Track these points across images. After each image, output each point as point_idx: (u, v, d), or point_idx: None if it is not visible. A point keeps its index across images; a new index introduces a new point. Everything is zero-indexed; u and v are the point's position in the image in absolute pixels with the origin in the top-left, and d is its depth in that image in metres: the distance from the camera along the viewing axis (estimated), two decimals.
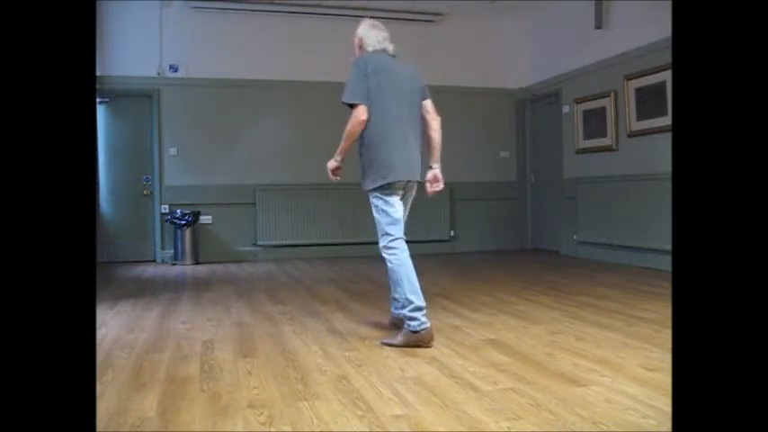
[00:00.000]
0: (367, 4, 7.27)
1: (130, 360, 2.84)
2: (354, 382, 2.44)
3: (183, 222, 6.87)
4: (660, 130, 5.77)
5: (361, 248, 7.50)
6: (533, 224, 8.28)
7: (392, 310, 3.33)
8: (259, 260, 7.23)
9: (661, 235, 5.62)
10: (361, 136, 3.10)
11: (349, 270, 6.21)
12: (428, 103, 3.31)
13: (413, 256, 3.10)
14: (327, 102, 6.26)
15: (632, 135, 6.22)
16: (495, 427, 1.96)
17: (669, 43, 5.09)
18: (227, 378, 2.53)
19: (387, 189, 3.10)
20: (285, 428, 1.97)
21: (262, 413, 2.10)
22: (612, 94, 6.47)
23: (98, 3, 6.72)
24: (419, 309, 2.97)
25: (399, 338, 3.00)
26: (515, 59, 8.13)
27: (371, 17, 3.56)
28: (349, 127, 3.07)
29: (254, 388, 2.39)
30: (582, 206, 6.95)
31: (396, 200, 3.14)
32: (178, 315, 3.94)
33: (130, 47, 7.02)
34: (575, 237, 7.11)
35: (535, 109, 8.14)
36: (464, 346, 3.00)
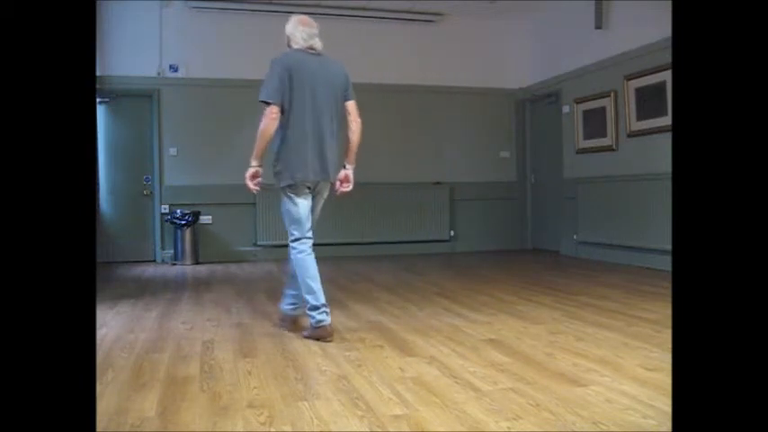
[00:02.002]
0: (367, 4, 7.27)
1: (130, 360, 2.84)
2: (354, 382, 2.44)
3: (183, 222, 6.87)
4: (660, 130, 5.76)
5: (360, 248, 7.50)
6: (533, 224, 8.28)
7: (280, 305, 3.48)
8: (259, 260, 7.23)
9: (661, 235, 5.62)
10: (277, 134, 3.16)
11: (349, 270, 6.21)
12: (351, 105, 3.31)
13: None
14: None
15: (632, 135, 6.22)
16: (495, 427, 1.96)
17: (669, 43, 5.09)
18: (227, 378, 2.53)
19: (295, 188, 3.18)
20: (285, 428, 1.97)
21: (262, 413, 2.10)
22: (612, 94, 6.47)
23: (98, 3, 6.72)
24: (315, 308, 3.14)
25: (307, 331, 3.23)
26: (515, 59, 8.13)
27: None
28: (261, 126, 3.12)
29: (254, 388, 2.39)
30: (582, 206, 6.95)
31: (302, 200, 3.21)
32: (178, 315, 3.94)
33: (130, 47, 7.01)
34: (575, 237, 7.11)
35: (535, 109, 8.14)
36: (464, 346, 3.00)
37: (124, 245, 7.15)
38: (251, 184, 3.19)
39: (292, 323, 3.42)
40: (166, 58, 7.15)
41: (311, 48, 3.25)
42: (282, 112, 3.13)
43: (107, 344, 3.16)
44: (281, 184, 3.19)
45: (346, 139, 3.31)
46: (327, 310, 3.19)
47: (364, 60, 7.56)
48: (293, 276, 3.32)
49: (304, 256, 3.22)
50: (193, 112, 7.20)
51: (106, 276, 5.88)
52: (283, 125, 3.15)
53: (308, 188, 3.23)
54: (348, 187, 3.36)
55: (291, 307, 3.42)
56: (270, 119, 3.10)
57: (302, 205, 3.22)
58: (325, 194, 3.35)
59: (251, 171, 3.19)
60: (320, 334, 3.15)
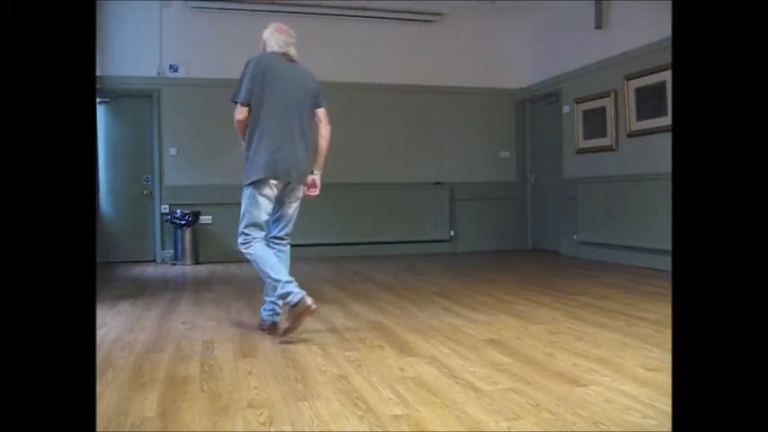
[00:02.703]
0: (367, 4, 7.27)
1: (130, 360, 2.84)
2: (354, 382, 2.44)
3: (183, 222, 6.87)
4: (660, 130, 5.77)
5: (360, 248, 7.50)
6: (533, 224, 8.28)
7: (261, 311, 3.44)
8: None
9: (661, 235, 5.62)
10: (248, 132, 3.22)
11: (349, 270, 6.21)
12: (321, 112, 3.39)
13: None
14: (326, 101, 6.26)
15: (632, 135, 6.22)
16: (495, 427, 1.96)
17: (669, 43, 5.09)
18: (227, 378, 2.53)
19: (259, 186, 3.16)
20: (285, 428, 1.97)
21: (262, 413, 2.10)
22: (612, 94, 6.47)
23: (98, 3, 6.72)
24: (288, 282, 3.07)
25: (288, 321, 3.11)
26: (515, 59, 8.13)
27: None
28: (235, 123, 3.23)
29: (254, 388, 2.39)
30: (582, 206, 6.95)
31: (264, 199, 3.18)
32: (178, 315, 3.94)
33: (130, 47, 7.01)
34: (575, 237, 7.11)
35: (535, 109, 8.14)
36: (464, 346, 3.00)
37: (124, 245, 7.15)
38: None
39: (272, 329, 3.34)
40: (166, 58, 7.15)
41: (285, 54, 3.32)
42: (250, 111, 3.19)
43: (107, 344, 3.16)
44: (247, 180, 3.18)
45: (316, 145, 3.37)
46: (295, 283, 3.09)
47: (364, 60, 7.58)
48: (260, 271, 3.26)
49: (261, 246, 3.19)
50: (193, 112, 7.20)
51: (106, 276, 5.88)
52: (252, 124, 3.20)
53: (274, 188, 3.19)
54: (315, 192, 3.41)
55: (270, 313, 3.37)
56: (237, 117, 3.20)
57: (264, 205, 3.18)
58: (298, 195, 3.33)
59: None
60: (299, 311, 3.03)
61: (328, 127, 3.39)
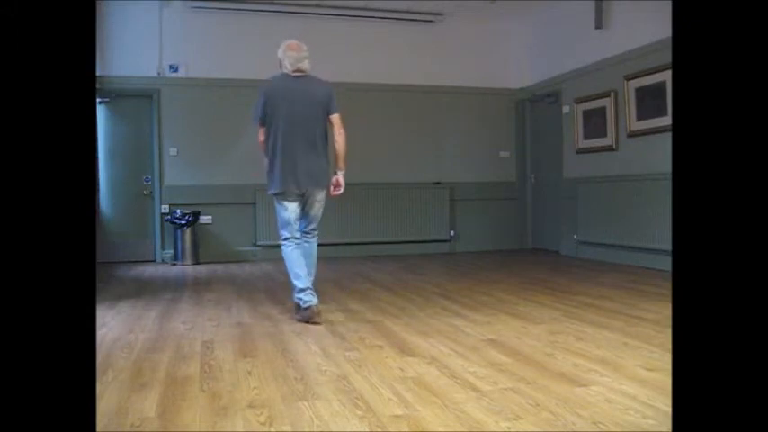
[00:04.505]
0: (367, 4, 7.27)
1: (130, 360, 2.84)
2: (354, 382, 2.44)
3: (183, 222, 6.87)
4: (660, 130, 5.77)
5: (361, 248, 7.50)
6: (533, 224, 8.28)
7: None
8: (259, 260, 7.23)
9: (661, 235, 5.62)
10: (266, 149, 3.73)
11: (349, 270, 6.21)
12: (334, 118, 3.71)
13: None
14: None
15: (632, 135, 6.22)
16: (495, 427, 1.96)
17: (669, 43, 5.09)
18: (227, 378, 2.53)
19: (279, 196, 3.70)
20: (285, 428, 1.97)
21: (262, 413, 2.10)
22: (612, 94, 6.47)
23: (98, 3, 6.72)
24: (301, 290, 3.64)
25: (298, 314, 3.67)
26: (515, 59, 8.13)
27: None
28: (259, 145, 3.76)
29: (254, 388, 2.39)
30: (582, 206, 6.95)
31: (288, 204, 3.71)
32: (178, 315, 3.94)
33: (130, 47, 7.01)
34: (575, 237, 7.11)
35: (535, 109, 8.14)
36: (464, 346, 3.00)
37: (124, 245, 7.15)
38: None
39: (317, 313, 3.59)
40: (166, 58, 7.15)
41: (298, 70, 3.65)
42: (267, 131, 3.66)
43: (107, 344, 3.16)
44: (269, 192, 3.75)
45: (334, 149, 3.72)
46: (313, 291, 3.64)
47: (364, 60, 7.58)
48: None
49: (291, 249, 3.72)
50: (193, 112, 7.20)
51: (106, 276, 5.88)
52: (267, 142, 3.68)
53: (295, 194, 3.67)
54: (339, 191, 3.80)
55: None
56: (258, 139, 3.73)
57: (289, 209, 3.71)
58: (318, 197, 3.76)
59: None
60: (309, 315, 3.56)
61: (341, 131, 3.71)
